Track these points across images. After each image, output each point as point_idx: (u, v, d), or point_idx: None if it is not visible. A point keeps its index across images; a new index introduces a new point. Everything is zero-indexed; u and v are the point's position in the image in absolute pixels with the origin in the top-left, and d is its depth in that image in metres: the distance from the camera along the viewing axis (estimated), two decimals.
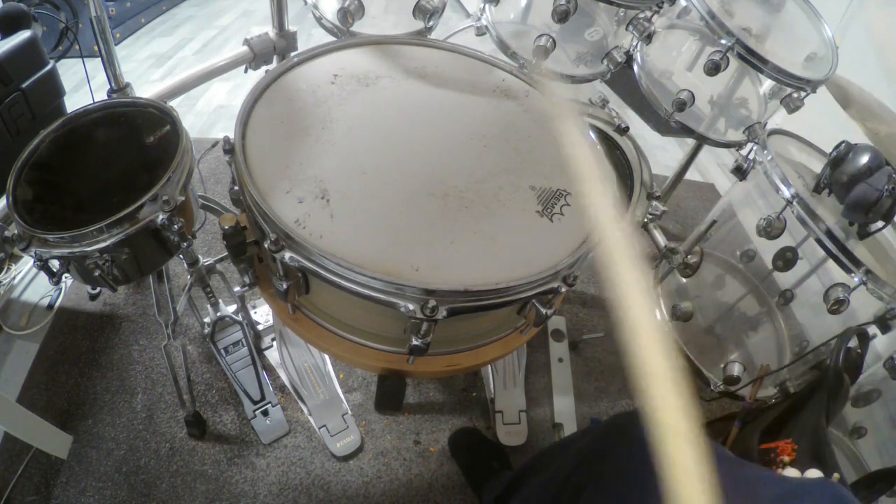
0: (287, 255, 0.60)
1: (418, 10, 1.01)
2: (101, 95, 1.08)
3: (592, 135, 0.82)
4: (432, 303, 0.57)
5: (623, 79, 1.21)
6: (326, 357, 1.33)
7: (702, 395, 1.38)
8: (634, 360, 0.39)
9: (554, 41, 1.03)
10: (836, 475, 0.76)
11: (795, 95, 1.05)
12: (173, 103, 0.97)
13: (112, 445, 1.15)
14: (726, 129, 1.20)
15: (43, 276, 0.92)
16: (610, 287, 0.46)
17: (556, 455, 0.86)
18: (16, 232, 0.76)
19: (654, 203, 1.24)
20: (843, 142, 0.97)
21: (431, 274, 0.60)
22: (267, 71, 0.81)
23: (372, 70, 0.84)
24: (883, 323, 0.90)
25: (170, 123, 0.88)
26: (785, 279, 1.17)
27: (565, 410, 1.33)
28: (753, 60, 1.00)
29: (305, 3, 1.06)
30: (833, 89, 1.10)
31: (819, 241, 0.88)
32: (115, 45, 1.30)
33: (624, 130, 1.12)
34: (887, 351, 0.97)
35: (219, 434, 1.19)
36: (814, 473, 0.59)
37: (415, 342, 0.63)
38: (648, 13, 1.07)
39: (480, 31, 1.13)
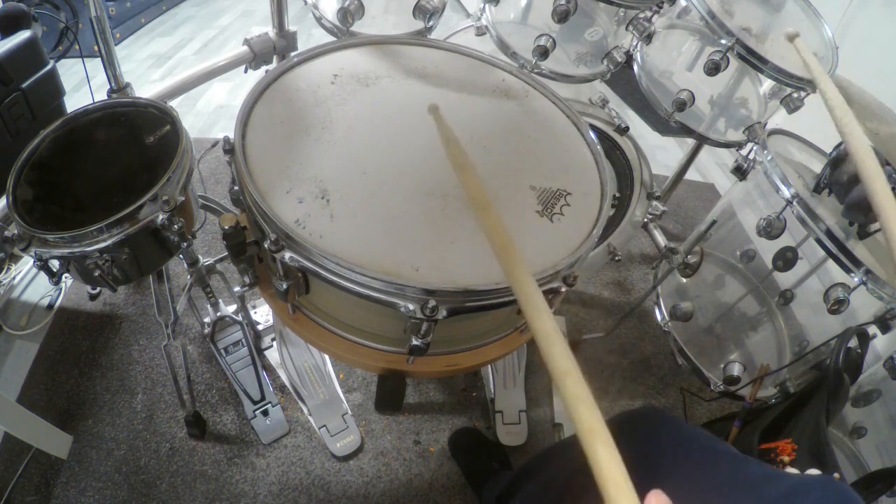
0: (287, 255, 0.60)
1: (418, 10, 1.01)
2: (101, 95, 1.08)
3: (593, 135, 0.82)
4: (432, 303, 0.57)
5: (623, 79, 1.21)
6: (326, 357, 1.33)
7: (702, 395, 1.38)
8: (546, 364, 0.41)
9: (554, 41, 1.03)
10: (836, 475, 0.76)
11: (795, 95, 1.05)
12: (173, 103, 0.97)
13: (112, 445, 1.15)
14: (726, 129, 1.20)
15: (43, 276, 0.92)
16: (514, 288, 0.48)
17: (556, 455, 0.86)
18: (16, 232, 0.76)
19: (654, 203, 1.24)
20: (843, 142, 0.97)
21: (431, 274, 0.60)
22: (267, 71, 0.81)
23: (372, 70, 0.84)
24: (883, 323, 0.90)
25: (170, 123, 0.88)
26: (785, 279, 1.17)
27: (565, 411, 1.33)
28: (753, 60, 1.00)
29: (305, 3, 1.06)
30: None
31: (819, 241, 0.88)
32: (115, 45, 1.30)
33: (624, 130, 1.12)
34: (887, 351, 0.97)
35: (219, 434, 1.19)
36: (814, 473, 0.59)
37: (415, 342, 0.63)
38: (648, 13, 1.07)
39: (480, 31, 1.13)
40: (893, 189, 0.87)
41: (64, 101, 1.24)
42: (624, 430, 0.72)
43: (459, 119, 0.80)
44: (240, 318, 1.31)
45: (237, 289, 0.84)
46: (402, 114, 0.78)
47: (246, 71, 1.30)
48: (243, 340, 1.29)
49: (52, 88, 1.19)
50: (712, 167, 2.27)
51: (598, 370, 1.44)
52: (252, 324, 1.34)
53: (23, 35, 1.10)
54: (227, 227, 0.66)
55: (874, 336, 0.92)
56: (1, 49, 1.05)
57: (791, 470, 0.62)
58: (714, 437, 0.66)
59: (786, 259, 1.00)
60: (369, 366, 0.74)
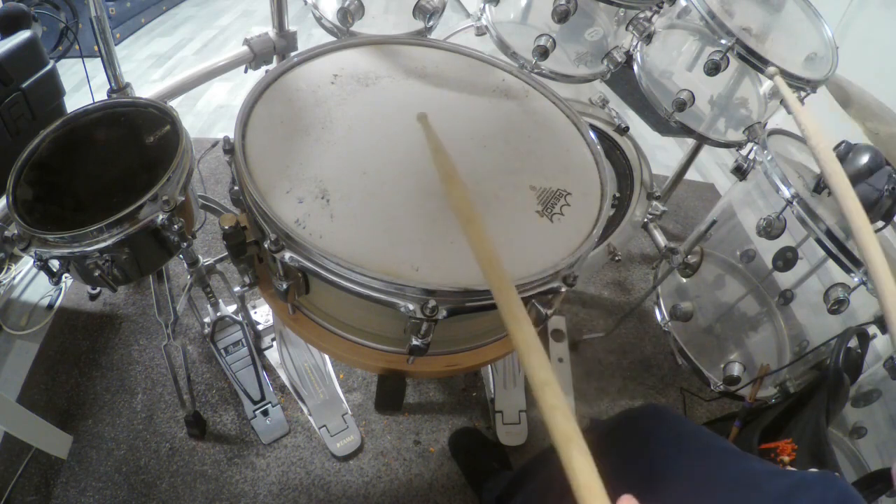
0: (287, 255, 0.60)
1: (418, 10, 1.01)
2: (101, 95, 1.08)
3: (593, 135, 0.82)
4: (432, 303, 0.57)
5: (623, 79, 1.21)
6: (326, 357, 1.33)
7: (702, 395, 1.38)
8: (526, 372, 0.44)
9: (554, 41, 1.03)
10: (836, 475, 0.76)
11: (795, 95, 1.05)
12: (173, 103, 0.97)
13: (112, 445, 1.15)
14: (726, 129, 1.20)
15: (43, 276, 0.92)
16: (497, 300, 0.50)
17: (557, 455, 0.86)
18: (16, 232, 0.76)
19: (654, 203, 1.24)
20: (843, 142, 0.97)
21: (431, 274, 0.60)
22: (267, 71, 0.81)
23: (372, 70, 0.84)
24: (883, 323, 0.90)
25: (170, 123, 0.88)
26: (785, 279, 1.17)
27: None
28: (753, 60, 1.00)
29: (305, 3, 1.06)
30: (833, 89, 1.10)
31: (819, 241, 0.88)
32: (115, 45, 1.30)
33: (624, 130, 1.12)
34: (887, 351, 0.97)
35: (219, 434, 1.19)
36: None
37: (415, 342, 0.63)
38: (648, 13, 1.07)
39: (480, 31, 1.13)
40: (894, 189, 0.87)
41: (64, 101, 1.24)
42: (626, 428, 0.73)
43: (459, 119, 0.80)
44: (240, 318, 1.31)
45: (237, 289, 0.84)
46: (402, 114, 0.78)
47: (246, 71, 1.30)
48: (243, 340, 1.29)
49: (52, 88, 1.19)
50: (712, 167, 2.27)
51: (598, 370, 1.44)
52: (252, 324, 1.34)
53: (23, 35, 1.10)
54: (227, 227, 0.66)
55: (874, 336, 0.92)
56: (1, 49, 1.05)
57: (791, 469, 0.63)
58: (716, 434, 0.66)
59: (786, 259, 1.00)
60: (369, 366, 0.74)
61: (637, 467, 0.64)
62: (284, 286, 0.66)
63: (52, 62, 1.18)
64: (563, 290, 0.64)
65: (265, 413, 1.22)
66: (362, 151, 0.72)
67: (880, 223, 0.94)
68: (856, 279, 0.86)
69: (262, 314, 1.39)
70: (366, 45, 0.89)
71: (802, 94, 1.05)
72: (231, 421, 1.21)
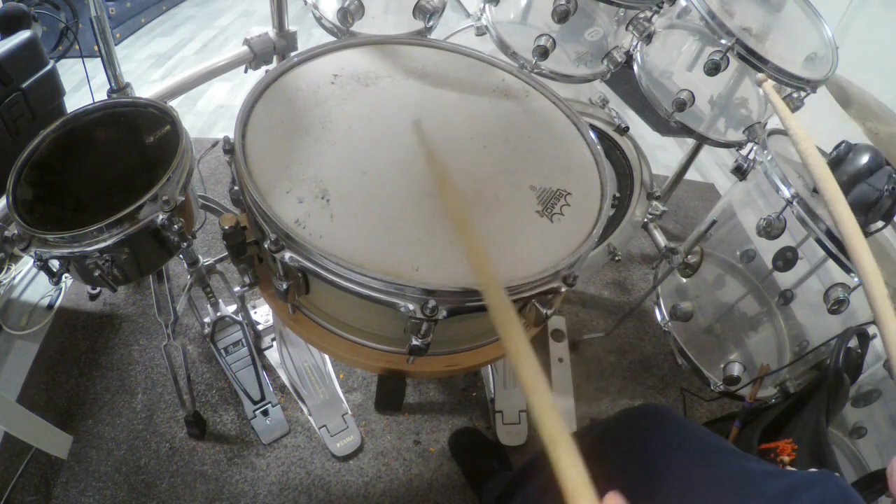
0: (287, 255, 0.60)
1: (418, 10, 1.01)
2: (101, 95, 1.08)
3: (593, 135, 0.82)
4: (432, 303, 0.57)
5: (623, 79, 1.21)
6: (326, 357, 1.33)
7: (702, 395, 1.38)
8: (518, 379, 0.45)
9: (554, 41, 1.03)
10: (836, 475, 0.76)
11: (795, 95, 1.05)
12: (173, 103, 0.97)
13: (112, 445, 1.15)
14: (726, 129, 1.20)
15: (43, 276, 0.92)
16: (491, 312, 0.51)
17: None
18: (16, 232, 0.76)
19: (654, 203, 1.24)
20: (843, 142, 0.97)
21: (431, 274, 0.60)
22: (267, 71, 0.81)
23: (372, 70, 0.84)
24: None
25: (170, 123, 0.88)
26: (785, 279, 1.17)
27: (565, 410, 1.33)
28: (753, 60, 1.00)
29: (305, 3, 1.06)
30: (833, 89, 1.10)
31: (819, 241, 0.88)
32: (115, 45, 1.30)
33: (624, 130, 1.11)
34: None
35: (219, 434, 1.19)
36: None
37: (415, 342, 0.63)
38: (648, 13, 1.07)
39: (480, 31, 1.13)
40: (894, 189, 0.87)
41: (64, 101, 1.24)
42: (625, 428, 0.73)
43: (459, 119, 0.80)
44: (240, 318, 1.31)
45: (237, 289, 0.84)
46: (402, 114, 0.78)
47: (246, 71, 1.30)
48: (243, 340, 1.30)
49: (52, 88, 1.19)
50: (712, 167, 2.27)
51: (598, 370, 1.44)
52: (252, 324, 1.34)
53: (23, 35, 1.10)
54: (227, 227, 0.66)
55: (874, 336, 0.92)
56: (1, 49, 1.05)
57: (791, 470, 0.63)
58: (715, 434, 0.66)
59: (786, 259, 1.00)
60: (369, 366, 0.74)
61: (637, 467, 0.64)
62: (284, 286, 0.66)
63: (52, 62, 1.18)
64: (563, 290, 0.64)
65: (265, 413, 1.22)
66: (362, 151, 0.72)
67: (880, 223, 0.94)
68: (855, 279, 0.85)
69: (262, 314, 1.39)
70: (366, 45, 0.89)
71: (802, 94, 1.05)
72: (231, 421, 1.21)
